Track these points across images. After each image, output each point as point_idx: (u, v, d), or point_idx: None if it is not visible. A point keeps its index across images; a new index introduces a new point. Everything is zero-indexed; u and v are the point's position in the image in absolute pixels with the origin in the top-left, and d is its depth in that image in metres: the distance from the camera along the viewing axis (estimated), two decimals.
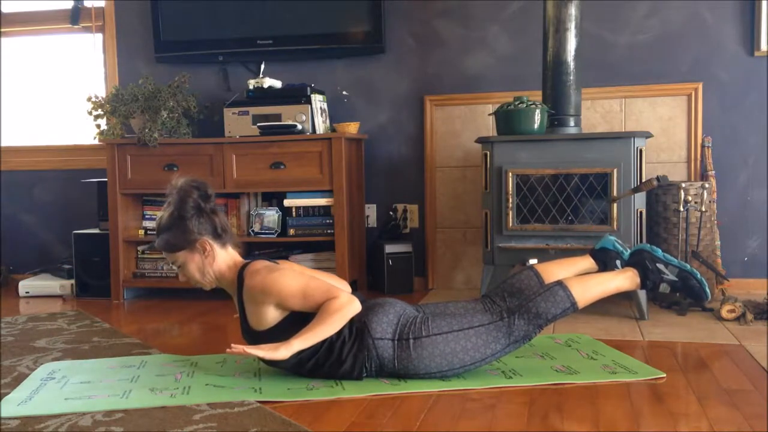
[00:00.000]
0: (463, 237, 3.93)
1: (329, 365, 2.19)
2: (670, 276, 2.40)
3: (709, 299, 2.45)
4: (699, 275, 2.41)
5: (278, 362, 2.18)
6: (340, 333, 2.19)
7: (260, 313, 2.20)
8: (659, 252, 2.44)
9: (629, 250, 2.57)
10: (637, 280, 2.40)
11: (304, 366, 2.20)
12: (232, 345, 2.08)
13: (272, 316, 2.19)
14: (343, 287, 2.34)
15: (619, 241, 2.62)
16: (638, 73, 3.69)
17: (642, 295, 3.04)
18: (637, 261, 2.43)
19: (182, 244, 2.25)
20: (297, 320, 2.17)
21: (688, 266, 2.42)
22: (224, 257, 2.29)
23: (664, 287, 2.41)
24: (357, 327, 2.20)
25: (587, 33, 3.58)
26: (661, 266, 2.41)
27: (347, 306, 2.16)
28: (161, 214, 2.31)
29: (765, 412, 1.91)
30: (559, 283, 2.27)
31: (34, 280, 4.12)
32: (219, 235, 2.28)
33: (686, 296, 2.48)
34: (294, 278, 2.19)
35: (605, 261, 2.59)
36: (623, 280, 2.40)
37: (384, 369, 2.20)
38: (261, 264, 2.25)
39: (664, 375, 2.24)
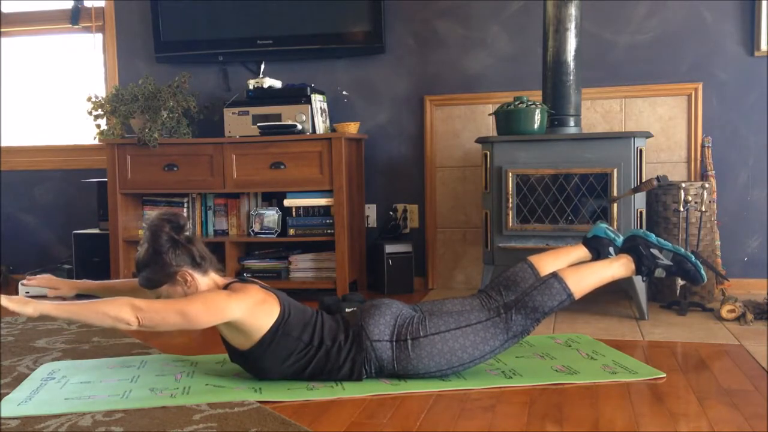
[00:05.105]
0: (463, 237, 3.92)
1: (328, 371, 2.19)
2: (665, 260, 2.40)
3: (705, 281, 2.45)
4: (694, 258, 2.41)
5: (271, 370, 2.17)
6: (335, 339, 2.18)
7: (229, 333, 2.17)
8: (653, 237, 2.44)
9: (622, 237, 2.56)
10: (632, 266, 2.40)
11: (302, 373, 2.19)
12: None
13: (236, 334, 2.14)
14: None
15: (611, 228, 2.63)
16: (638, 73, 3.69)
17: (642, 295, 3.04)
18: (631, 247, 2.43)
19: (162, 279, 2.19)
20: (283, 335, 2.13)
21: (683, 250, 2.42)
22: (207, 284, 2.22)
23: (659, 272, 2.41)
24: (354, 330, 2.19)
25: (587, 33, 3.58)
26: (655, 251, 2.40)
27: (126, 315, 2.00)
28: (138, 252, 2.25)
29: (765, 412, 1.91)
30: (555, 275, 2.26)
31: None
32: (198, 264, 2.21)
33: (683, 279, 2.48)
34: (205, 298, 2.10)
35: (598, 249, 2.59)
36: (618, 267, 2.39)
37: (384, 370, 2.20)
38: (236, 285, 2.19)
39: (664, 375, 2.24)
